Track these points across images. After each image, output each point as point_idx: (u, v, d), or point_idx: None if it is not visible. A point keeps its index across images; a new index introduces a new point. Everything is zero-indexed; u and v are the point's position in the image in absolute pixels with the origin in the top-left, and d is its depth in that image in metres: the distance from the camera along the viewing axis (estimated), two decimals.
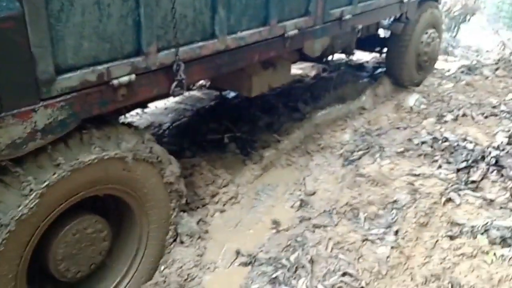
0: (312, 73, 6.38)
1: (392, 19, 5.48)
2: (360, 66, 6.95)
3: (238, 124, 4.50)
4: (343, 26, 3.95)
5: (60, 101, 1.94)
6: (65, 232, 2.26)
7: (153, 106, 4.59)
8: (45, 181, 1.99)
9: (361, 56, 7.29)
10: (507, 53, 6.59)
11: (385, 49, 6.15)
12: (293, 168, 4.02)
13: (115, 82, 2.11)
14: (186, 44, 2.47)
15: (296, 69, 6.26)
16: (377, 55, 6.68)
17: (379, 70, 6.55)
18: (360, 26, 4.19)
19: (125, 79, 2.15)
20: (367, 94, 5.37)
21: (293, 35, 3.29)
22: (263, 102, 5.00)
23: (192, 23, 2.47)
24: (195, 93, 5.46)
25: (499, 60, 6.71)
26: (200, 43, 2.55)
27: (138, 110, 4.31)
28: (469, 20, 14.52)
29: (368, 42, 6.11)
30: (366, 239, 2.94)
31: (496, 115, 4.28)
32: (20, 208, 1.92)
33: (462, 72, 6.54)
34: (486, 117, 4.31)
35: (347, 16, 3.91)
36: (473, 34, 16.69)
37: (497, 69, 6.21)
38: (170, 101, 5.20)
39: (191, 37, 2.50)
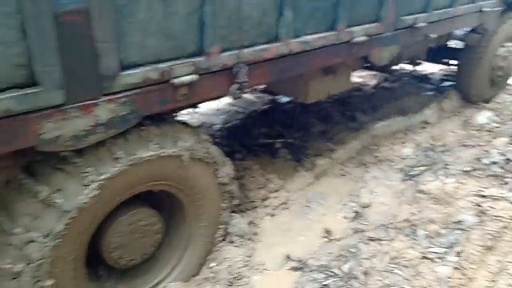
0: (372, 82, 6.18)
1: (467, 29, 5.17)
2: (425, 78, 6.64)
3: (290, 130, 4.42)
4: (415, 35, 3.76)
5: (122, 97, 1.96)
6: (120, 222, 2.33)
7: (204, 106, 4.62)
8: (104, 173, 2.02)
9: (426, 67, 6.97)
10: None
11: (454, 61, 5.83)
12: (347, 179, 3.89)
13: (176, 81, 2.11)
14: (249, 46, 2.43)
15: (355, 77, 6.08)
16: (444, 66, 6.36)
17: (446, 83, 6.22)
18: (433, 35, 3.97)
19: (186, 78, 2.14)
20: (431, 108, 5.10)
21: (361, 42, 3.16)
22: (318, 109, 4.90)
23: (257, 25, 2.43)
24: (247, 95, 5.44)
25: None
26: (264, 46, 2.50)
27: (190, 110, 4.35)
28: None
29: (437, 52, 5.82)
30: (425, 257, 2.81)
31: None
32: (81, 197, 1.97)
33: None
34: None
35: (421, 24, 3.71)
36: None
37: None
38: (222, 103, 5.21)
39: (255, 39, 2.46)
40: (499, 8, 4.84)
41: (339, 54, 3.10)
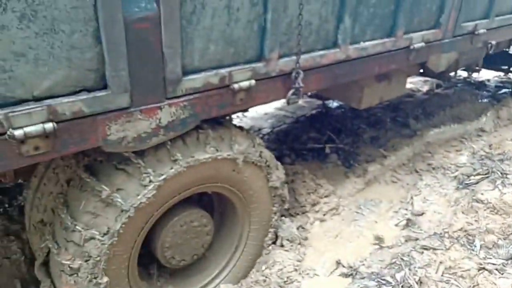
0: (425, 88, 6.03)
1: None
2: (480, 85, 6.38)
3: (340, 135, 4.38)
4: (475, 41, 3.63)
5: (183, 100, 2.01)
6: (174, 223, 2.40)
7: (253, 110, 4.65)
8: (163, 174, 2.08)
9: (481, 73, 6.69)
10: None
11: None
12: (398, 186, 3.81)
13: (235, 86, 2.14)
14: (307, 52, 2.43)
15: (408, 83, 5.93)
16: (501, 73, 6.09)
17: (503, 90, 5.95)
18: (494, 42, 3.81)
19: (245, 83, 2.16)
20: (488, 116, 4.91)
21: (419, 48, 3.09)
22: (369, 115, 4.82)
23: (316, 31, 2.42)
24: None
25: None
26: (321, 52, 2.50)
27: (239, 114, 4.39)
28: None
29: (495, 59, 5.59)
30: (483, 268, 2.69)
31: None
32: (139, 197, 2.04)
33: None
34: None
35: (481, 31, 3.58)
36: None
37: None
38: (271, 107, 5.23)
39: (313, 45, 2.46)
40: None
41: (396, 60, 3.04)
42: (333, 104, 5.29)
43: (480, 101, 5.63)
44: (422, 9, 3.00)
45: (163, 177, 2.08)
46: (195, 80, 2.02)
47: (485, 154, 3.94)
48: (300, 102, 5.40)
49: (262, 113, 5.18)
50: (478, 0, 3.44)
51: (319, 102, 5.24)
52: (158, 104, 1.94)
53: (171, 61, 1.89)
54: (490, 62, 5.75)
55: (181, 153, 2.14)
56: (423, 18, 3.06)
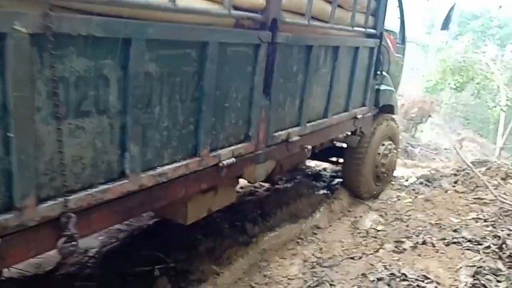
0: (266, 184, 6.05)
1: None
2: (318, 175, 6.69)
3: (175, 250, 3.97)
4: (291, 148, 3.66)
5: None
6: None
7: None
8: None
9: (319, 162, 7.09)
10: (464, 160, 6.49)
11: (341, 160, 5.97)
12: None
13: None
14: (83, 189, 2.04)
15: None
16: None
17: (336, 180, 6.29)
18: (309, 147, 3.92)
19: None
20: (321, 211, 5.01)
21: (230, 164, 2.93)
22: (207, 222, 4.53)
23: (91, 165, 2.06)
24: None
25: (457, 171, 6.61)
26: (104, 186, 2.13)
27: None
28: (425, 121, 15.11)
29: (324, 152, 5.94)
30: None
31: (458, 243, 3.93)
32: None
33: (421, 183, 6.37)
34: (447, 244, 3.96)
35: (295, 138, 3.64)
36: (431, 133, 17.36)
37: (456, 182, 6.06)
38: None
39: (91, 180, 2.08)
40: (370, 114, 5.07)
41: (206, 179, 2.82)
42: None
43: (316, 192, 5.81)
44: (227, 125, 2.90)
45: None
46: None
47: (316, 261, 3.87)
48: None
49: None
50: (287, 110, 3.52)
51: None
52: None
53: None
54: (321, 155, 6.10)
55: None
56: (230, 133, 2.95)
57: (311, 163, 7.39)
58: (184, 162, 2.59)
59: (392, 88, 5.82)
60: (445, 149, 15.53)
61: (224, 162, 2.89)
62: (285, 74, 3.38)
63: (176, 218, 3.47)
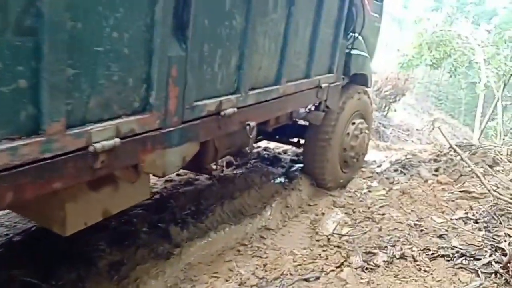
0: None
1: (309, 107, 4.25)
2: (276, 159, 5.60)
3: (60, 269, 2.80)
4: (225, 125, 2.54)
5: None
6: None
7: None
8: None
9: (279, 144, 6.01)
10: (452, 145, 5.52)
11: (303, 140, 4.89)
12: None
13: None
14: None
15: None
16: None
17: (296, 166, 5.23)
18: (253, 123, 2.80)
19: None
20: (274, 207, 3.94)
21: (111, 148, 1.78)
22: (120, 223, 3.38)
23: None
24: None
25: (437, 155, 5.67)
26: None
27: None
28: (399, 99, 14.28)
29: (284, 131, 4.86)
30: None
31: (447, 257, 2.94)
32: None
33: (396, 170, 5.39)
34: (433, 258, 2.96)
35: (230, 110, 2.51)
36: (403, 112, 16.62)
37: (437, 169, 5.10)
38: None
39: None
40: (338, 84, 3.98)
41: (62, 175, 1.65)
42: None
43: (271, 182, 4.72)
44: (104, 84, 1.73)
45: None
46: None
47: (257, 284, 2.79)
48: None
49: None
50: (217, 69, 2.37)
51: None
52: None
53: None
54: (279, 134, 5.02)
55: None
56: (111, 98, 1.79)
57: (271, 145, 6.32)
58: (12, 144, 1.42)
59: (366, 54, 4.73)
60: (417, 130, 14.82)
61: (97, 146, 1.72)
62: (213, 10, 2.23)
63: (53, 227, 2.33)
